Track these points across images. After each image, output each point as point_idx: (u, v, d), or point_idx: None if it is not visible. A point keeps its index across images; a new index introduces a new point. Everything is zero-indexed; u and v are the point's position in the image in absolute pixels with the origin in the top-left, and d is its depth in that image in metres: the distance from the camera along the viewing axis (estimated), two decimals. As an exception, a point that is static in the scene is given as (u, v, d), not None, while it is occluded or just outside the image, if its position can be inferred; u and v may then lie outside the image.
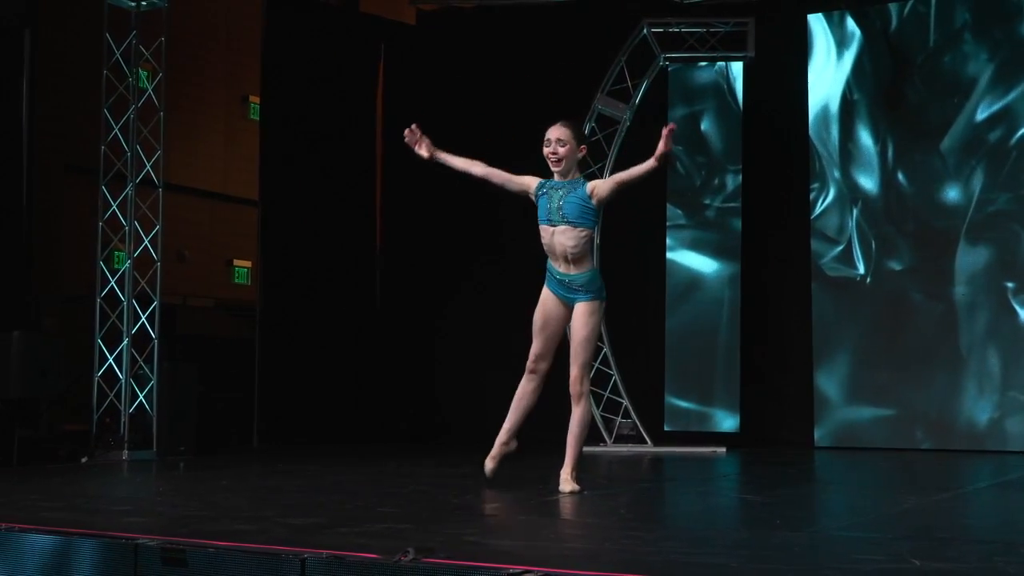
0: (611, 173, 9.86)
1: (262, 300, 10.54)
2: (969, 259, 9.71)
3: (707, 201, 10.52)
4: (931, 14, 10.08)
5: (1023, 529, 4.57)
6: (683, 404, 10.47)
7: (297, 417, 10.33)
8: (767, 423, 10.39)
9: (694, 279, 10.44)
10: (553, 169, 5.76)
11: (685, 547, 3.95)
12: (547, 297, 5.80)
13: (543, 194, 5.77)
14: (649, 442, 9.55)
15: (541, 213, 5.76)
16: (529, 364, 5.82)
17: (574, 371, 5.63)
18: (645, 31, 9.88)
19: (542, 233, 5.76)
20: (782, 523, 4.65)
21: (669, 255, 10.46)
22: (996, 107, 9.78)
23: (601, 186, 5.71)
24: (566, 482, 5.65)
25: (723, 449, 9.44)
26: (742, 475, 7.65)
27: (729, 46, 9.94)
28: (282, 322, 10.49)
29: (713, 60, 10.24)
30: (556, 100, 10.64)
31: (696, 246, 10.48)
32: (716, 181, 10.51)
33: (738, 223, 10.33)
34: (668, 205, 10.47)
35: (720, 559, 3.66)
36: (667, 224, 10.46)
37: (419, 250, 11.37)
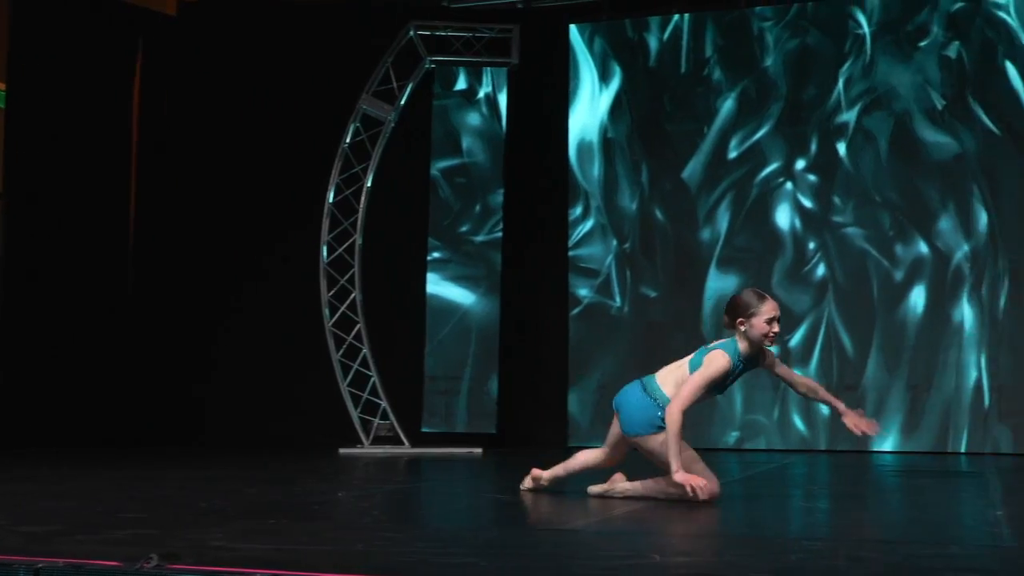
0: (373, 175, 9.89)
1: (3, 297, 10.00)
2: (717, 285, 10.25)
3: (465, 228, 10.70)
4: (684, 44, 10.55)
5: (755, 523, 4.78)
6: (440, 405, 10.59)
7: (40, 420, 9.84)
8: (523, 426, 10.61)
9: (452, 305, 10.63)
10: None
11: (437, 547, 3.97)
12: None
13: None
14: (407, 443, 9.57)
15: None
16: None
17: None
18: (412, 33, 9.91)
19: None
20: (532, 522, 4.72)
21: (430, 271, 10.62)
22: (747, 143, 10.37)
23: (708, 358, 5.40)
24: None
25: (479, 450, 9.55)
26: (497, 476, 7.75)
27: (494, 52, 10.10)
28: (25, 321, 9.99)
29: (478, 65, 10.37)
30: (320, 99, 10.60)
31: (456, 275, 10.69)
32: (478, 208, 10.73)
33: (498, 256, 10.65)
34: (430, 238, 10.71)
35: (471, 558, 3.68)
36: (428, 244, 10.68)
37: (174, 248, 11.04)
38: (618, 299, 10.59)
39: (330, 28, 10.81)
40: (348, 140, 9.91)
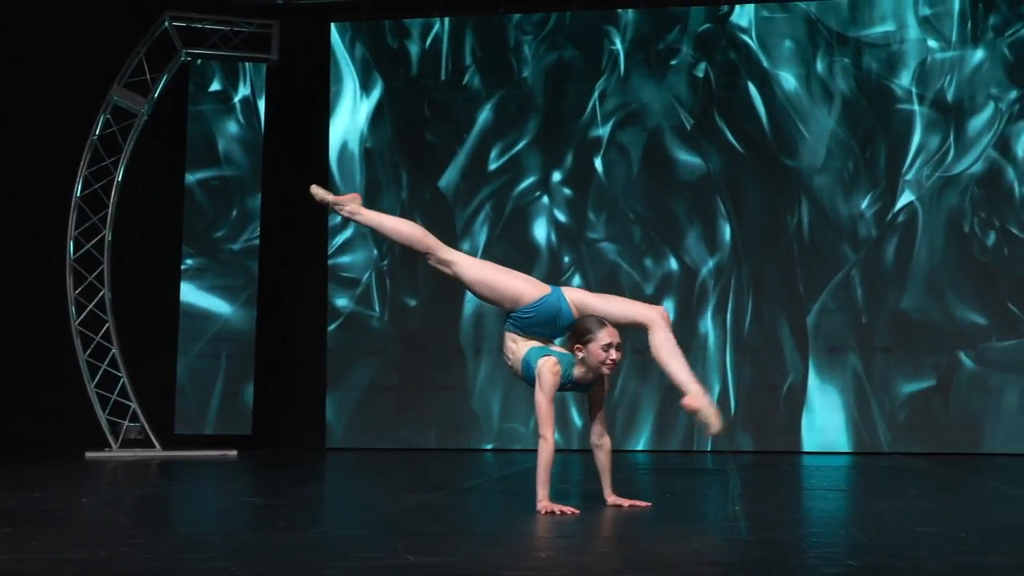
0: (125, 167, 9.56)
1: None
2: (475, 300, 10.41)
3: (221, 234, 10.57)
4: (444, 52, 10.67)
5: (510, 522, 4.86)
6: (194, 407, 10.40)
7: None
8: (279, 429, 10.49)
9: (206, 311, 10.48)
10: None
11: (186, 552, 3.86)
12: None
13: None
14: (158, 446, 9.28)
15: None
16: None
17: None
18: (167, 24, 9.62)
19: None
20: (286, 524, 4.66)
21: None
22: (506, 154, 10.56)
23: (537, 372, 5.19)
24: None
25: (234, 453, 9.36)
26: (252, 478, 7.61)
27: (253, 48, 9.91)
28: None
29: (236, 60, 10.17)
30: (71, 88, 10.18)
31: (212, 284, 10.58)
32: (235, 213, 10.54)
33: (255, 264, 10.61)
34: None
35: (221, 563, 3.60)
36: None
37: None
38: (377, 308, 10.58)
39: (82, 15, 10.39)
40: (98, 132, 9.53)
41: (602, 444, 5.37)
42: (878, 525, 4.73)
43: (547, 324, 5.22)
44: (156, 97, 9.62)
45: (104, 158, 9.54)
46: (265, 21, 9.87)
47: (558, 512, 4.91)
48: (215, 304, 10.55)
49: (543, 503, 4.98)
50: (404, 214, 10.56)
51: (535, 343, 5.23)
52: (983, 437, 9.76)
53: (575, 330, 5.18)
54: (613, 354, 5.11)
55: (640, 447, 10.11)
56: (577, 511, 4.96)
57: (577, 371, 5.17)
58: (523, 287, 5.25)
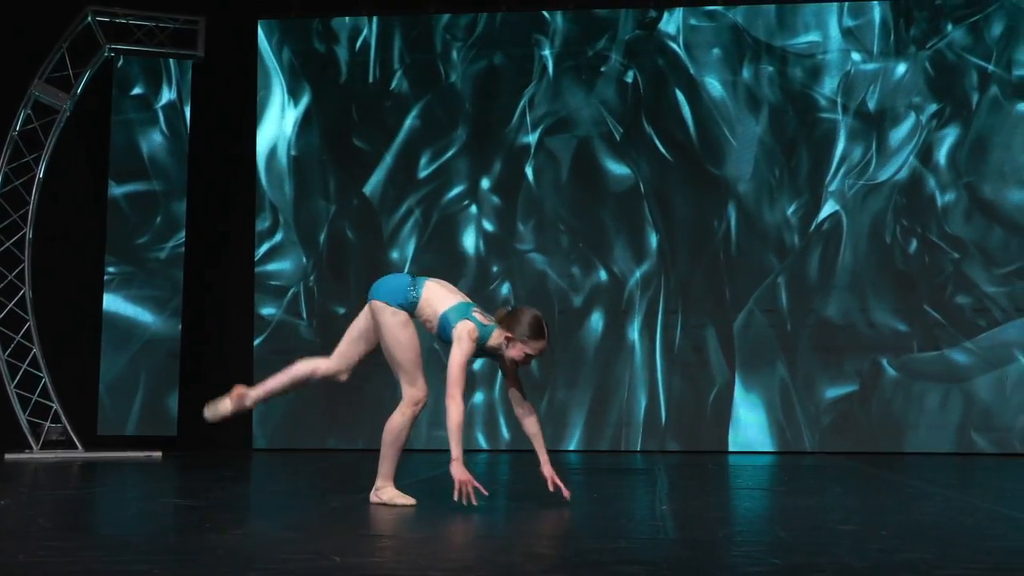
0: (46, 164, 9.39)
1: None
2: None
3: (144, 240, 10.53)
4: (371, 56, 10.64)
5: (437, 523, 4.85)
6: (117, 407, 10.29)
7: None
8: (205, 428, 10.38)
9: (130, 317, 10.50)
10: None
11: (107, 555, 3.81)
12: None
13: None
14: (80, 447, 9.14)
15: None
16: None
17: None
18: (89, 19, 9.47)
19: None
20: (211, 526, 4.62)
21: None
22: (435, 162, 10.54)
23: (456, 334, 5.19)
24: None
25: (159, 454, 9.25)
26: (177, 479, 7.52)
27: (179, 43, 9.79)
28: None
29: (161, 56, 10.06)
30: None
31: (136, 294, 10.55)
32: (159, 220, 10.47)
33: (180, 272, 10.57)
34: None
35: (144, 566, 3.56)
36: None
37: None
38: (305, 315, 10.51)
39: (3, 7, 10.19)
40: (18, 128, 9.35)
41: (524, 409, 5.46)
42: (802, 523, 4.79)
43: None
44: (79, 93, 9.47)
45: (25, 154, 9.37)
46: (191, 17, 9.75)
47: (469, 488, 4.95)
48: (139, 313, 10.46)
49: (459, 467, 4.98)
50: (332, 221, 10.53)
51: (455, 299, 5.29)
52: (905, 438, 9.93)
53: (515, 319, 5.22)
54: (528, 362, 5.26)
55: (572, 447, 10.15)
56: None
57: (492, 342, 5.24)
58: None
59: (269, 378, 5.58)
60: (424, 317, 5.31)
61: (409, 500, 5.25)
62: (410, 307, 5.29)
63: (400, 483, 5.45)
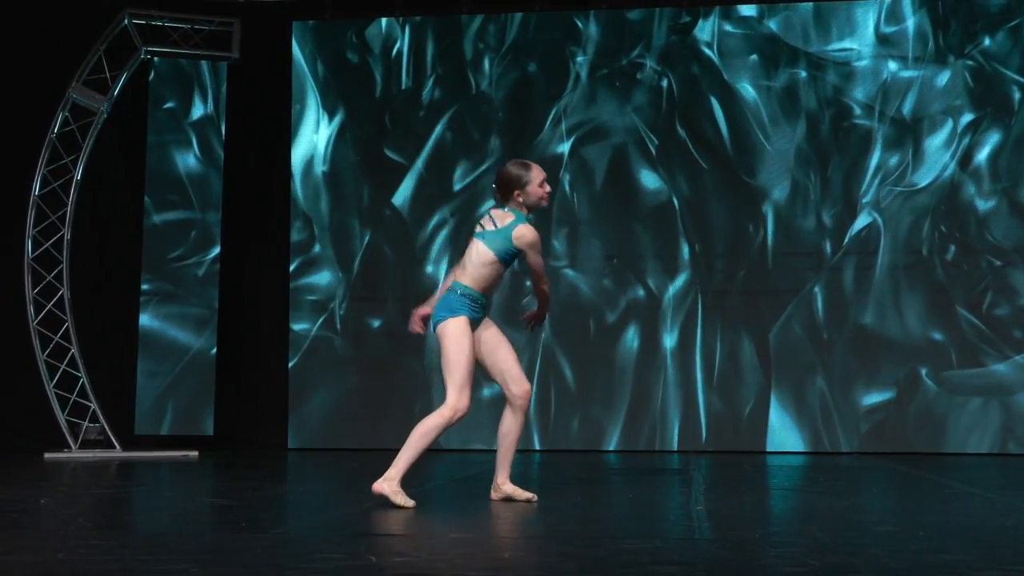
0: (84, 165, 9.47)
1: None
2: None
3: (179, 252, 10.62)
4: (404, 66, 10.67)
5: (472, 523, 4.85)
6: (154, 407, 10.38)
7: None
8: (242, 428, 10.47)
9: (168, 334, 10.55)
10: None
11: (145, 554, 3.84)
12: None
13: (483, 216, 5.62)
14: (118, 447, 9.22)
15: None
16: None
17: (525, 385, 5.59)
18: (127, 21, 9.55)
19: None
20: (248, 525, 4.65)
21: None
22: (470, 174, 10.58)
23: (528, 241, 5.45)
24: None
25: (195, 453, 9.31)
26: (214, 479, 7.57)
27: (214, 45, 9.85)
28: None
29: (197, 58, 10.13)
30: (29, 85, 10.08)
31: (172, 312, 10.57)
32: (193, 233, 10.61)
33: (215, 293, 10.64)
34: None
35: (181, 564, 3.59)
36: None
37: None
38: (340, 327, 10.54)
39: (41, 11, 10.29)
40: (56, 129, 9.44)
41: (543, 290, 5.74)
42: (838, 524, 4.77)
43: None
44: (115, 95, 9.55)
45: (63, 156, 9.46)
46: (226, 19, 9.81)
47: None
48: (174, 326, 10.56)
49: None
50: (368, 234, 10.54)
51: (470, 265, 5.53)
52: (944, 439, 9.83)
53: (505, 180, 5.53)
54: (547, 186, 5.59)
55: (611, 447, 10.14)
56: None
57: (525, 212, 5.54)
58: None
59: (408, 448, 5.36)
60: (487, 270, 5.47)
61: (408, 502, 5.20)
62: (467, 298, 5.44)
63: (432, 483, 5.47)
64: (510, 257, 5.49)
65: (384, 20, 10.79)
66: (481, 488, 5.86)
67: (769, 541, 4.24)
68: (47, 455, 9.01)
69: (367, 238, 10.60)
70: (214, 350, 10.51)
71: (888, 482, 7.21)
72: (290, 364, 10.51)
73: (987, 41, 10.10)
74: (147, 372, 10.45)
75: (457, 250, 10.33)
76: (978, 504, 5.68)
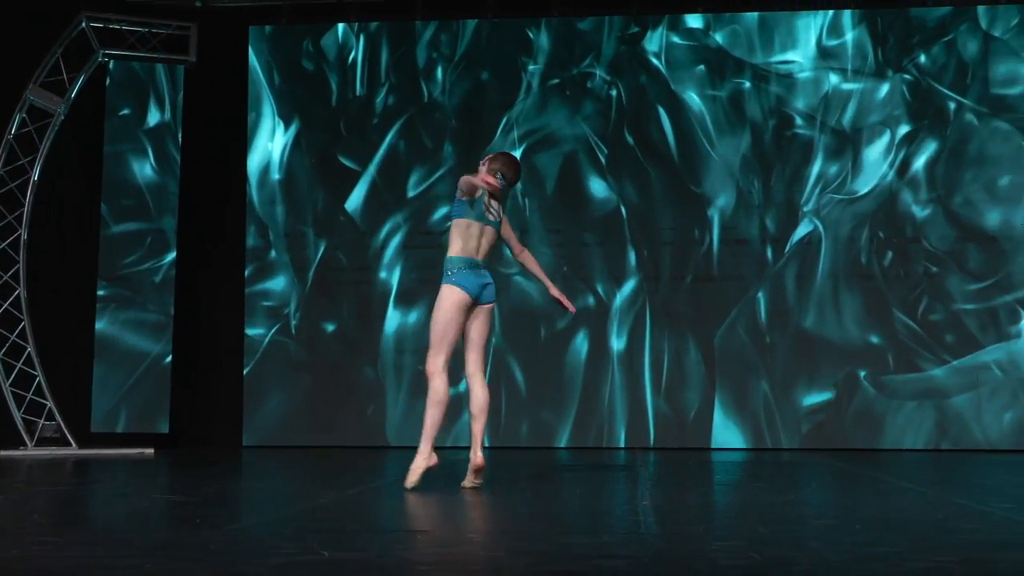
0: (41, 167, 9.47)
1: None
2: (397, 319, 10.45)
3: (135, 258, 10.60)
4: (358, 74, 10.70)
5: (423, 518, 4.94)
6: (116, 407, 10.38)
7: None
8: (197, 426, 10.49)
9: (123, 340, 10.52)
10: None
11: (100, 551, 3.88)
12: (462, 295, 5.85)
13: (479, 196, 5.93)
14: (74, 444, 9.23)
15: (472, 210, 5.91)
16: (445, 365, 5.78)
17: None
18: (84, 24, 9.56)
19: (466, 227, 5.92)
20: (202, 521, 4.70)
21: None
22: (424, 182, 10.62)
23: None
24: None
25: (151, 451, 9.35)
26: (169, 476, 7.60)
27: (171, 49, 9.88)
28: None
29: (154, 61, 10.15)
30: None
31: (127, 318, 10.56)
32: (149, 240, 10.60)
33: (171, 299, 10.66)
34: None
35: (136, 560, 3.62)
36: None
37: None
38: (295, 332, 10.59)
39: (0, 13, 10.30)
40: (13, 131, 9.44)
41: (524, 254, 6.38)
42: (779, 518, 4.88)
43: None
44: (72, 98, 9.56)
45: (20, 157, 9.46)
46: (183, 23, 9.85)
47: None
48: (130, 331, 10.55)
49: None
50: (317, 234, 10.59)
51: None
52: (880, 436, 10.03)
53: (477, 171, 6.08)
54: (490, 177, 5.83)
55: (562, 444, 10.26)
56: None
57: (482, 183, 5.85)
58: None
59: (428, 428, 5.88)
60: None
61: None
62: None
63: (386, 479, 5.51)
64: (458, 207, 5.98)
65: (340, 28, 10.86)
66: (434, 484, 5.95)
67: (713, 535, 4.33)
68: (2, 452, 9.01)
69: (322, 244, 10.66)
70: (169, 358, 10.53)
71: (827, 478, 7.36)
72: (245, 369, 10.56)
73: (922, 57, 10.33)
74: (103, 376, 10.46)
75: (408, 257, 10.45)
76: (912, 498, 5.81)
